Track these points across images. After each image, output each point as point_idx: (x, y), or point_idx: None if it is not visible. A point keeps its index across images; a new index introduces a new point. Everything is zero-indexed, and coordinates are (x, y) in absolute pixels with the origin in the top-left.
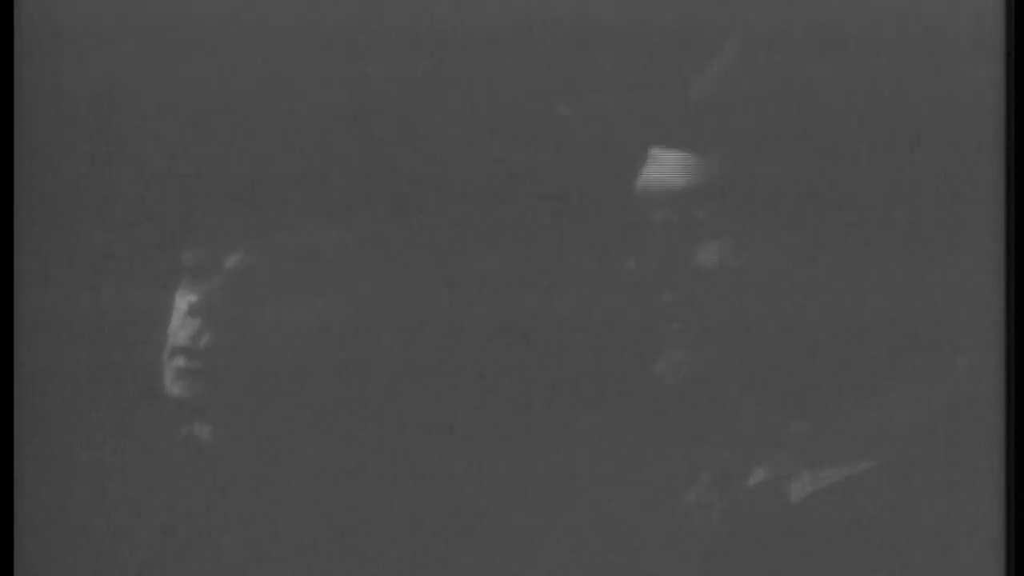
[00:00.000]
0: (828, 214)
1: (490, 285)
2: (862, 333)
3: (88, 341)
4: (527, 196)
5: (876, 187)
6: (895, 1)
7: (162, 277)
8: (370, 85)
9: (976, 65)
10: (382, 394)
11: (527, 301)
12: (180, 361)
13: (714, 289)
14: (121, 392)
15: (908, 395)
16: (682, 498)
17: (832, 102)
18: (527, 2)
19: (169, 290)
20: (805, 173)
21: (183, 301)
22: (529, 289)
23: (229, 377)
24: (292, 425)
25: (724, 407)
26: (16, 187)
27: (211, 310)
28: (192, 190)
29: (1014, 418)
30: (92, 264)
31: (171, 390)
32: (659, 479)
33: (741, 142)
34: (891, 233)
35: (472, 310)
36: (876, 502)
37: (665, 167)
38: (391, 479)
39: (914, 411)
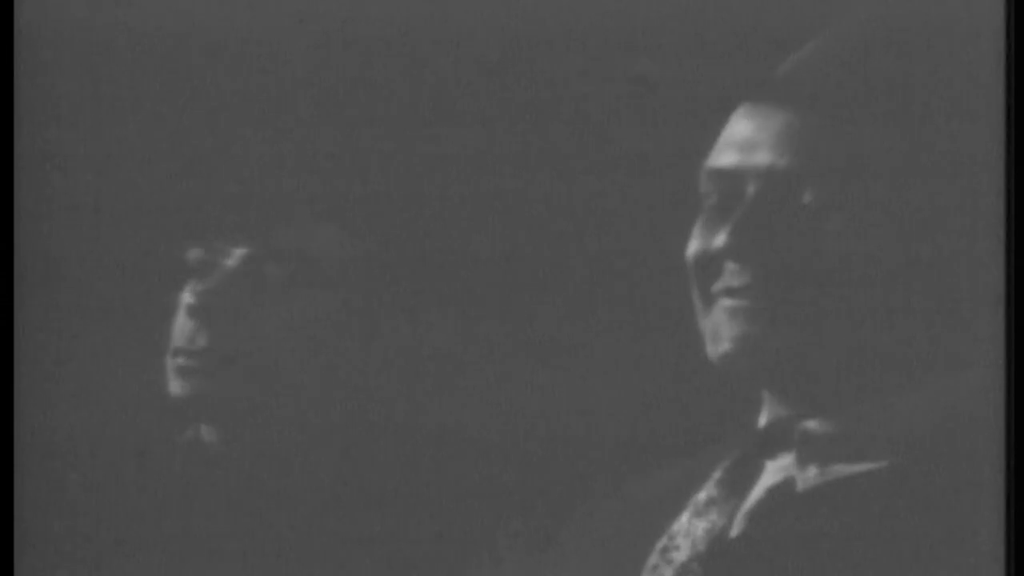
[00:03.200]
0: (830, 218)
1: (492, 287)
2: (862, 336)
3: (88, 340)
4: (528, 200)
5: (876, 189)
6: (895, 1)
7: (163, 277)
8: (369, 85)
9: (976, 63)
10: (381, 393)
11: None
12: (181, 361)
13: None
14: (121, 392)
15: (910, 398)
16: (692, 495)
17: (831, 103)
18: (525, 4)
19: (171, 289)
20: (803, 177)
21: (185, 300)
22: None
23: (230, 377)
24: (292, 425)
25: (730, 406)
26: (16, 187)
27: (212, 310)
28: (195, 190)
29: (1015, 420)
30: (92, 262)
31: (172, 390)
32: (670, 476)
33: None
34: (891, 234)
35: (474, 314)
36: (879, 502)
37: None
38: (391, 478)
39: (916, 413)
